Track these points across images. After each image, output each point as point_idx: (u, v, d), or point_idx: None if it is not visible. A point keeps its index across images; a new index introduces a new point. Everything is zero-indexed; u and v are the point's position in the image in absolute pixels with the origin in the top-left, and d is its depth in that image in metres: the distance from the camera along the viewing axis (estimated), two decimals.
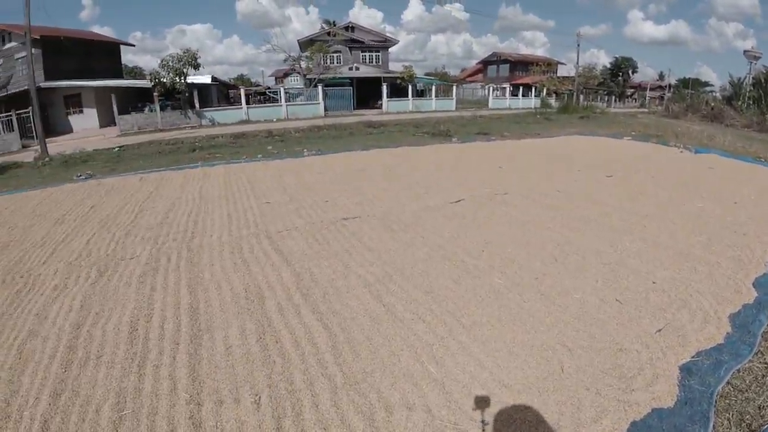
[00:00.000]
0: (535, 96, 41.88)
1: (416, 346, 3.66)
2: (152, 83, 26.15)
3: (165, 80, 25.81)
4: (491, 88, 43.86)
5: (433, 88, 37.77)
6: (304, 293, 4.61)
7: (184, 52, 26.28)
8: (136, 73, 53.75)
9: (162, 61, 26.09)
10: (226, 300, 4.55)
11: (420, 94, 39.03)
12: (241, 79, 67.42)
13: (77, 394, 3.38)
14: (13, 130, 23.64)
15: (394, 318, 4.07)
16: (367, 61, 41.26)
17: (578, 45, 42.19)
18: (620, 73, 61.36)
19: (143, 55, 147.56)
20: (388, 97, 33.39)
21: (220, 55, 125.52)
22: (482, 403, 3.08)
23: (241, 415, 3.04)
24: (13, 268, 6.03)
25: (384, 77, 36.35)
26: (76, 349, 3.95)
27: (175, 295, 4.75)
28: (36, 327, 4.40)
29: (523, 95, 43.11)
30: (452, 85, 41.48)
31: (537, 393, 3.14)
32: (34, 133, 24.57)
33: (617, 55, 62.92)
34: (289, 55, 34.76)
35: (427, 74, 56.73)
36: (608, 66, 61.80)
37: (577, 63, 43.74)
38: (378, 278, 4.86)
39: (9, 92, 27.88)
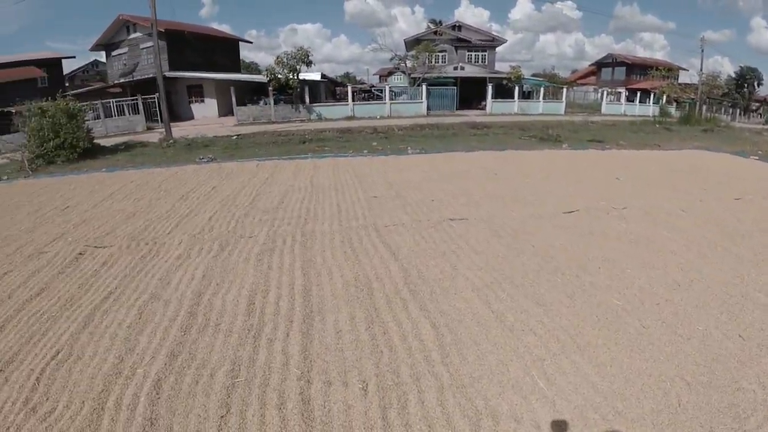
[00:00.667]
0: (653, 103, 38.59)
1: (526, 358, 3.54)
2: (268, 78, 27.75)
3: (280, 76, 27.24)
4: (605, 92, 40.98)
5: (542, 90, 36.21)
6: (411, 289, 4.66)
7: (298, 50, 27.59)
8: (252, 68, 57.12)
9: (277, 58, 27.59)
10: (337, 286, 4.74)
11: (527, 95, 37.61)
12: (347, 77, 69.66)
13: (194, 357, 3.69)
14: (138, 113, 26.57)
15: (503, 326, 3.97)
16: (473, 60, 40.58)
17: (702, 50, 38.12)
18: (745, 84, 54.71)
19: (258, 52, 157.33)
20: (492, 98, 32.61)
21: (328, 53, 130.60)
22: (594, 428, 2.92)
23: (348, 398, 3.14)
24: (138, 235, 6.75)
25: (489, 77, 35.54)
26: (196, 315, 4.32)
27: (290, 276, 5.03)
28: (158, 291, 4.89)
29: (640, 101, 39.84)
30: (562, 88, 39.46)
31: (651, 425, 2.92)
32: (159, 117, 27.50)
33: (742, 65, 56.11)
34: (395, 54, 35.21)
35: (534, 75, 54.52)
36: (733, 75, 55.38)
37: (701, 70, 39.55)
38: (486, 283, 4.78)
39: (135, 78, 31.13)
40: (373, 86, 41.54)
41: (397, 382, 3.29)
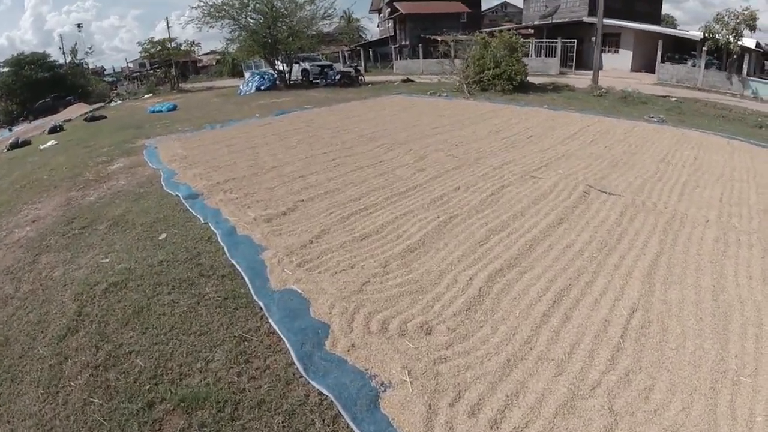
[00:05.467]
0: None
1: None
2: (702, 37, 23.29)
3: (718, 36, 22.47)
4: None
5: None
6: None
7: (743, 10, 22.07)
8: (668, 22, 50.42)
9: (717, 16, 22.79)
10: None
11: None
12: None
13: None
14: (554, 56, 26.26)
15: None
16: None
17: None
18: None
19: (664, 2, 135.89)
20: None
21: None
22: None
23: None
24: (638, 190, 5.96)
25: None
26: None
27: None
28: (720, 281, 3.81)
29: None
30: None
31: None
32: (572, 63, 26.78)
33: None
34: None
35: None
36: None
37: None
38: None
39: (553, 21, 30.49)
40: None
41: None
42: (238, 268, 3.87)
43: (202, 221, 5.00)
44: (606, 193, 5.74)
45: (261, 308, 3.29)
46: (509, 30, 18.47)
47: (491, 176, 6.23)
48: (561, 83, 18.21)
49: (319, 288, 3.45)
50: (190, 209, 5.43)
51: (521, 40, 17.38)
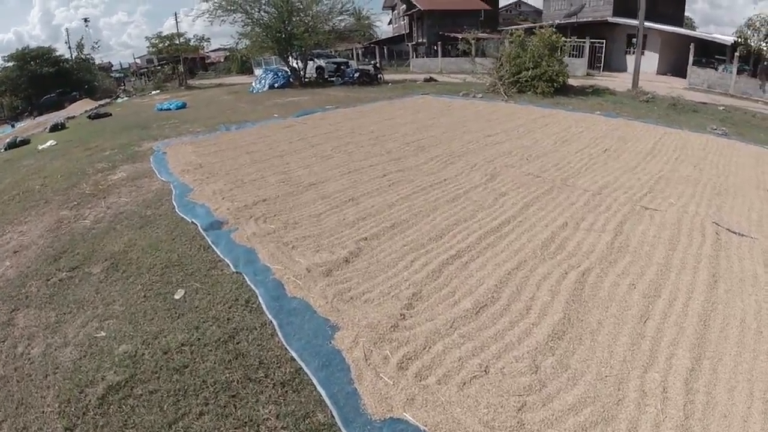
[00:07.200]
0: None
1: None
2: (734, 42, 22.12)
3: (751, 42, 21.32)
4: None
5: None
6: None
7: None
8: (688, 24, 49.34)
9: (748, 21, 21.70)
10: None
11: None
12: None
13: None
14: (582, 57, 25.02)
15: None
16: None
17: None
18: None
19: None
20: None
21: None
22: None
23: None
24: None
25: None
26: None
27: None
28: None
29: None
30: None
31: None
32: (600, 64, 25.53)
33: None
34: None
35: None
36: None
37: None
38: None
39: (578, 21, 29.19)
40: None
41: None
42: (303, 366, 2.53)
43: (233, 269, 3.70)
44: (736, 234, 4.42)
45: None
46: (550, 26, 17.08)
47: (596, 206, 4.86)
48: (601, 86, 16.81)
49: (454, 421, 2.11)
50: (213, 246, 4.11)
51: (563, 38, 15.94)
